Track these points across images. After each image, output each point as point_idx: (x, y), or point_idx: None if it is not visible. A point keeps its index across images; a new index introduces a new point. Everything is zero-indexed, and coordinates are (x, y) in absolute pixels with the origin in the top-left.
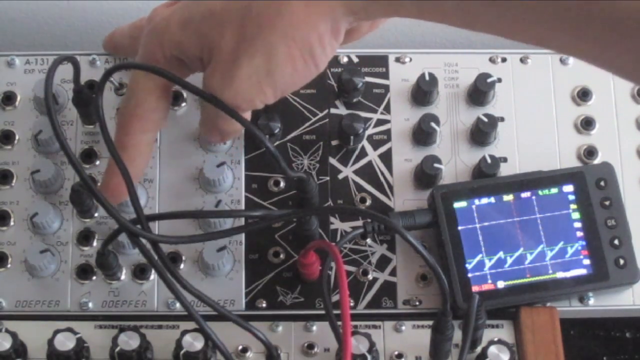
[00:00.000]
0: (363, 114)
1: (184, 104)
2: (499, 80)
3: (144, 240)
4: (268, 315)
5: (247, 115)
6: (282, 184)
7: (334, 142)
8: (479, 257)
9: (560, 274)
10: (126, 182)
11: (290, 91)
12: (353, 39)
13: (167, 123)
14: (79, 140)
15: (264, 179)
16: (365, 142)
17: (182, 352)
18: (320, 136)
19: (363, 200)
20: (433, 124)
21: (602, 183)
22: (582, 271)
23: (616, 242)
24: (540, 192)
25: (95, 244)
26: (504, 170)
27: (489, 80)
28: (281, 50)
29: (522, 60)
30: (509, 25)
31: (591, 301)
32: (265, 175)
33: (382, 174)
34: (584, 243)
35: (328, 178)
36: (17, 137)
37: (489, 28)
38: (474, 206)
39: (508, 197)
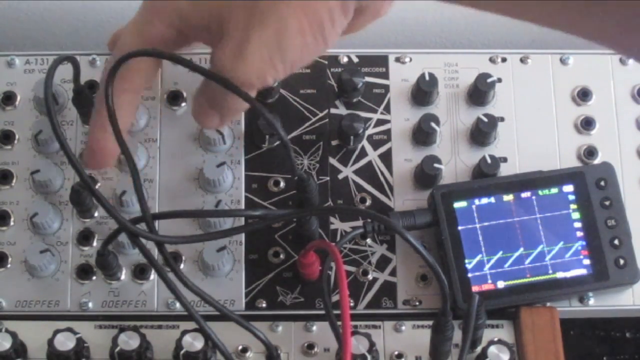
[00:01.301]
0: (363, 114)
1: (183, 104)
2: (499, 80)
3: (144, 240)
4: (268, 315)
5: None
6: (282, 184)
7: (334, 142)
8: (479, 257)
9: (560, 274)
10: (131, 173)
11: (299, 67)
12: (359, 25)
13: (150, 85)
14: (79, 140)
15: (264, 179)
16: (365, 142)
17: (182, 352)
18: (320, 136)
19: (363, 200)
20: (433, 124)
21: (602, 183)
22: (582, 271)
23: (616, 242)
24: (540, 192)
25: (95, 244)
26: (504, 170)
27: (489, 80)
28: (292, 23)
29: (522, 60)
30: (547, 12)
31: (591, 301)
32: (265, 175)
33: (382, 174)
34: (584, 243)
35: (328, 178)
36: (17, 137)
37: (529, 15)
38: (474, 206)
39: (508, 197)
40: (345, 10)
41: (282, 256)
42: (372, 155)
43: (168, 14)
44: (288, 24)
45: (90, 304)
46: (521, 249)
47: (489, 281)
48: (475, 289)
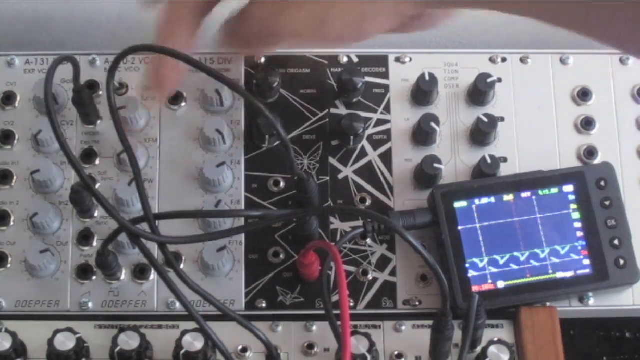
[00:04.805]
0: (363, 114)
1: (183, 104)
2: (499, 80)
3: (144, 241)
4: (268, 315)
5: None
6: (282, 184)
7: (334, 142)
8: (479, 257)
9: (560, 274)
10: (134, 173)
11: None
12: (418, 29)
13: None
14: (79, 140)
15: (264, 179)
16: (365, 142)
17: (182, 352)
18: (320, 136)
19: (363, 200)
20: (433, 124)
21: (602, 183)
22: (582, 271)
23: (616, 242)
24: (540, 192)
25: (95, 244)
26: (504, 170)
27: (489, 80)
28: (337, 4)
29: (522, 60)
30: (592, 20)
31: (591, 301)
32: (265, 175)
33: (382, 174)
34: (584, 243)
35: (328, 178)
36: (17, 137)
37: (568, 23)
38: (474, 206)
39: (508, 197)
40: (393, 15)
41: (282, 256)
42: (372, 155)
43: None
44: (333, 3)
45: (90, 304)
46: (521, 249)
47: (489, 281)
48: (475, 289)
